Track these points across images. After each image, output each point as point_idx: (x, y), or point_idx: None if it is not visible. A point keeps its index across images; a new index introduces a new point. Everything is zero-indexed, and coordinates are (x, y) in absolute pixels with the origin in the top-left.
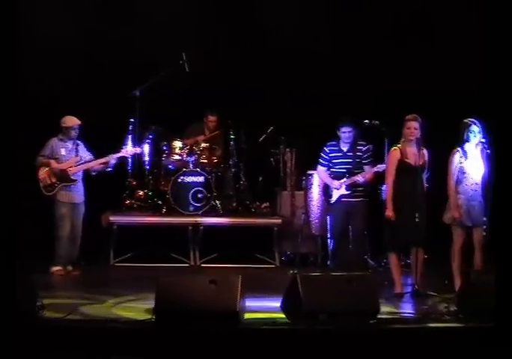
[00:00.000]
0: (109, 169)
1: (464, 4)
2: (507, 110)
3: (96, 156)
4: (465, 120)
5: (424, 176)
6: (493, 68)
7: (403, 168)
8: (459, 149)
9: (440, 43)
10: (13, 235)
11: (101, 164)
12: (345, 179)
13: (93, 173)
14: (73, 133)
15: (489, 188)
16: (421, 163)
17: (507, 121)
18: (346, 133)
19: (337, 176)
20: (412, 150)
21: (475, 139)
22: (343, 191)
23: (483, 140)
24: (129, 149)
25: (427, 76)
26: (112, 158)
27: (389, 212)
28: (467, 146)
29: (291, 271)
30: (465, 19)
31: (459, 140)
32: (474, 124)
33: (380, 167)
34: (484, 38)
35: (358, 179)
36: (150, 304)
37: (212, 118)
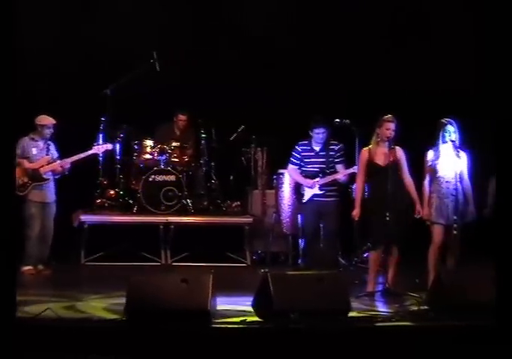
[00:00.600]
0: (66, 173)
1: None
2: (500, 109)
3: (65, 155)
4: (441, 120)
5: (405, 173)
6: (473, 66)
7: (372, 169)
8: (433, 148)
9: (413, 43)
10: (13, 235)
11: (60, 166)
12: (319, 179)
13: (57, 177)
14: (47, 132)
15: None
16: (389, 161)
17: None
18: (319, 134)
19: (309, 176)
20: (382, 150)
21: (450, 138)
22: (316, 190)
23: (454, 140)
24: (100, 146)
25: (399, 76)
26: (67, 163)
27: (355, 212)
28: (441, 145)
29: (262, 270)
30: (441, 16)
31: (434, 139)
32: (450, 124)
33: (356, 169)
34: (472, 36)
35: (339, 177)
36: (122, 303)
37: (182, 117)
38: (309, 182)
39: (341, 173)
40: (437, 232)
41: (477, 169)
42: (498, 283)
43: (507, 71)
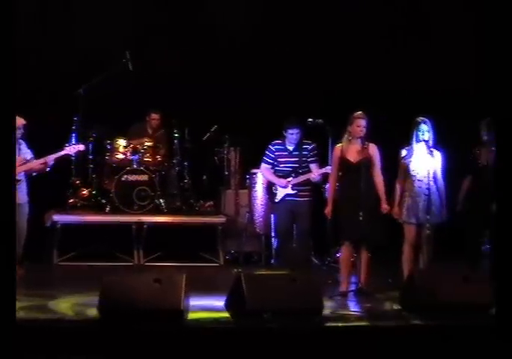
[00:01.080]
0: (48, 169)
1: None
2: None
3: (38, 155)
4: (416, 119)
5: (377, 171)
6: (449, 65)
7: (344, 166)
8: (406, 146)
9: (388, 42)
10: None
11: (41, 164)
12: (291, 178)
13: (34, 174)
14: (17, 133)
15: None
16: (362, 158)
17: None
18: (293, 134)
19: (282, 175)
20: (354, 148)
21: (424, 137)
22: (289, 190)
23: (427, 139)
24: (72, 147)
25: (374, 75)
26: (51, 159)
27: (327, 210)
28: (415, 144)
29: (235, 270)
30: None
31: (408, 137)
32: (424, 123)
33: (329, 169)
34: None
35: (312, 177)
36: (95, 302)
37: (154, 116)
38: (282, 181)
39: (314, 173)
40: (409, 232)
41: (453, 168)
42: (498, 281)
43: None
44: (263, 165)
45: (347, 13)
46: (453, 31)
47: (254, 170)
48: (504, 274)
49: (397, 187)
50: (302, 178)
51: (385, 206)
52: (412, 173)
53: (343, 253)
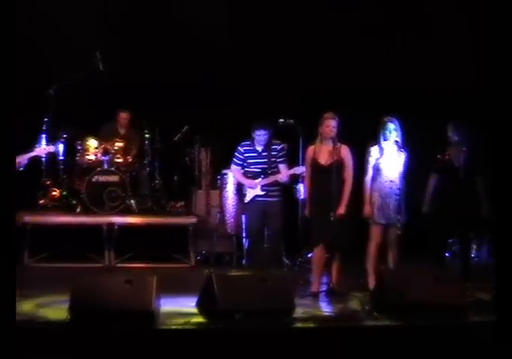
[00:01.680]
0: (21, 168)
1: None
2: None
3: None
4: (383, 118)
5: (348, 172)
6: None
7: (315, 168)
8: (375, 145)
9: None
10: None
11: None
12: (261, 179)
13: None
14: None
15: (404, 187)
16: (333, 160)
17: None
18: (261, 136)
19: (251, 176)
20: (326, 149)
21: (391, 137)
22: (258, 190)
23: (397, 139)
24: (42, 148)
25: (342, 75)
26: (24, 159)
27: (307, 211)
28: (384, 144)
29: (206, 270)
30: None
31: (376, 137)
32: (391, 122)
33: (297, 170)
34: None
35: (281, 177)
36: (66, 304)
37: (123, 115)
38: (251, 182)
39: (283, 174)
40: (376, 232)
41: (417, 168)
42: (498, 280)
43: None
44: (233, 166)
45: (320, 13)
46: (425, 30)
47: (225, 171)
48: (505, 274)
49: (367, 186)
50: (271, 179)
51: (340, 211)
52: (384, 173)
53: (316, 254)
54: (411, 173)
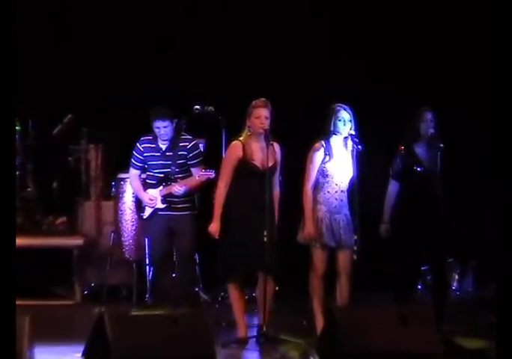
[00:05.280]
0: None
1: None
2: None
3: None
4: (333, 106)
5: (277, 179)
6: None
7: (246, 171)
8: (322, 143)
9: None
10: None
11: None
12: (161, 189)
13: None
14: None
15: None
16: (270, 164)
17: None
18: (160, 129)
19: (154, 184)
20: (259, 147)
21: (344, 130)
22: (158, 204)
23: (353, 132)
24: None
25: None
26: None
27: (213, 228)
28: (333, 139)
29: (97, 309)
30: None
31: (323, 131)
32: (344, 110)
33: (203, 176)
34: None
35: (175, 189)
36: None
37: None
38: (147, 197)
39: (179, 183)
40: (320, 257)
41: (373, 171)
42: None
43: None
44: (131, 171)
45: None
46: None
47: (122, 175)
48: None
49: (309, 198)
50: (167, 189)
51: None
52: (331, 179)
53: (232, 290)
54: (366, 178)
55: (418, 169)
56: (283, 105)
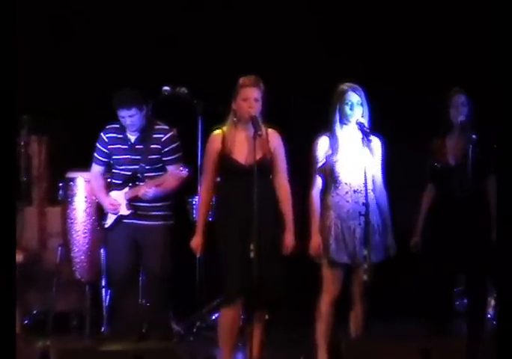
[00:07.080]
0: None
1: None
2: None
3: None
4: (341, 86)
5: (281, 177)
6: None
7: (227, 168)
8: (327, 134)
9: None
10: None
11: None
12: (127, 191)
13: None
14: None
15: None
16: (258, 158)
17: None
18: (125, 119)
19: (120, 184)
20: (244, 137)
21: (353, 116)
22: (123, 210)
23: (362, 119)
24: None
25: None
26: None
27: (194, 242)
28: (340, 129)
29: (40, 343)
30: None
31: (327, 119)
32: (353, 91)
33: (182, 172)
34: None
35: (143, 191)
36: None
37: None
38: (108, 202)
39: (147, 184)
40: (330, 278)
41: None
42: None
43: None
44: (93, 167)
45: None
46: None
47: (73, 174)
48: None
49: (315, 203)
50: (133, 192)
51: (290, 239)
52: (341, 179)
53: (224, 317)
54: (390, 178)
55: (447, 167)
56: (278, 84)
